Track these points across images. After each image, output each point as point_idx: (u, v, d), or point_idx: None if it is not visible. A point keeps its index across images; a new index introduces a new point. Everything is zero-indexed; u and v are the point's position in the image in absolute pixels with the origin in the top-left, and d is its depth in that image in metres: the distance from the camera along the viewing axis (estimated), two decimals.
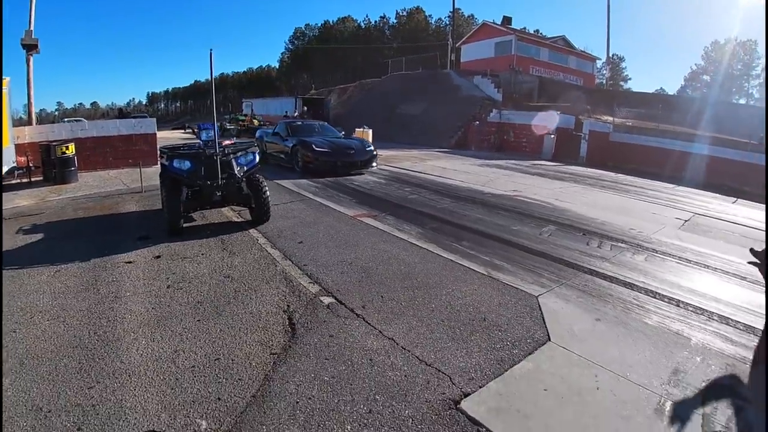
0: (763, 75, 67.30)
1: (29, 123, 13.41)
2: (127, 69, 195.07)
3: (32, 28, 13.39)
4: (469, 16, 73.92)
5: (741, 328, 3.92)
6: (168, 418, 2.51)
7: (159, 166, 7.52)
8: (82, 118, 48.79)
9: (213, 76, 6.58)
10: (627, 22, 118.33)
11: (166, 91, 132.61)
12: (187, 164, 6.13)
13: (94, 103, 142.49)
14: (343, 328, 3.60)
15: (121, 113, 35.18)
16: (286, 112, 31.94)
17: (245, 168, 6.55)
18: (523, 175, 14.31)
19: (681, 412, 2.77)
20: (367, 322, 3.72)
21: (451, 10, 39.81)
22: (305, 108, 30.27)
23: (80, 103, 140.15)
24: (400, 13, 77.60)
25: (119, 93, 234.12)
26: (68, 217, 7.28)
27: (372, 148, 13.21)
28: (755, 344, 3.61)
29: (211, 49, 6.20)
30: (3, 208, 7.51)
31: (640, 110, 31.01)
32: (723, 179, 16.19)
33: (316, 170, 11.92)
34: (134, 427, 2.44)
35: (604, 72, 72.71)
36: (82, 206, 8.04)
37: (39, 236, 6.18)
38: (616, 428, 2.61)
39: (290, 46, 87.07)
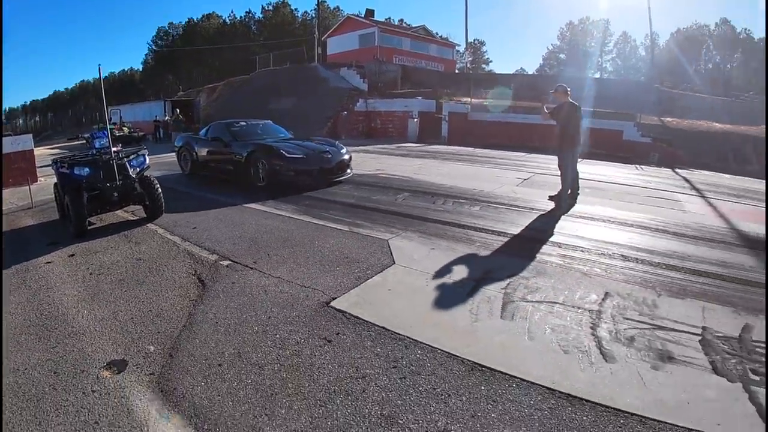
0: (615, 50, 75.42)
1: None
2: None
3: None
4: (335, 9, 75.04)
5: (578, 260, 5.32)
6: (123, 350, 3.44)
7: (42, 181, 7.91)
8: None
9: (103, 91, 7.36)
10: (487, 7, 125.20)
11: (24, 106, 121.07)
12: (86, 170, 6.78)
13: None
14: (241, 277, 4.73)
15: None
16: (156, 116, 31.47)
17: (138, 169, 7.32)
18: (388, 157, 15.85)
19: (481, 290, 4.26)
20: (259, 270, 4.88)
21: (317, 3, 40.78)
22: (177, 110, 30.05)
23: None
24: (266, 8, 76.97)
25: None
26: None
27: (345, 149, 10.68)
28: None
29: (99, 65, 7.02)
30: None
31: (503, 90, 33.83)
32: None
33: (288, 184, 9.42)
34: (100, 360, 3.32)
35: (466, 57, 77.44)
36: None
37: None
38: (437, 307, 3.99)
39: (154, 46, 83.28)
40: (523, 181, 10.78)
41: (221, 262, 5.22)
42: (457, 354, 3.24)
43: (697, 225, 7.12)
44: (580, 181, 8.69)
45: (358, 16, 43.53)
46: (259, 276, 4.73)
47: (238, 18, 79.78)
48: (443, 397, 2.78)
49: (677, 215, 7.86)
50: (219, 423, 2.58)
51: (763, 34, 64.99)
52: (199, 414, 2.67)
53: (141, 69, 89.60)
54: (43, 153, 23.07)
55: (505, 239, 6.04)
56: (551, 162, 13.79)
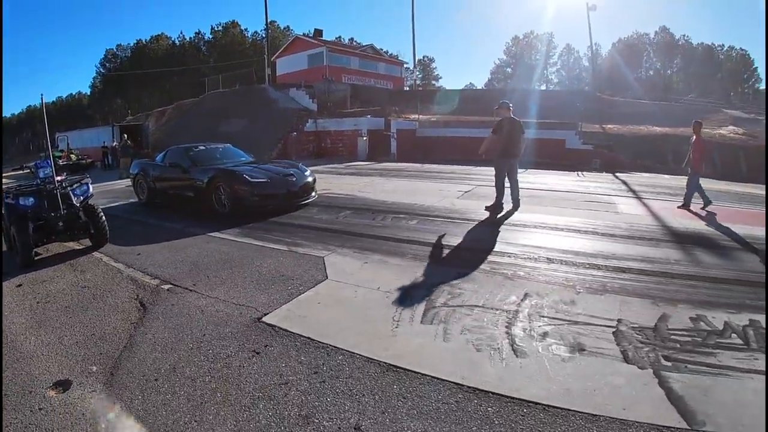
0: (560, 62, 78.42)
1: None
2: None
3: None
4: (285, 28, 75.51)
5: (503, 266, 5.73)
6: (68, 371, 3.70)
7: None
8: None
9: (45, 120, 7.56)
10: (437, 24, 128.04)
11: None
12: (31, 200, 6.94)
13: None
14: (180, 299, 5.06)
15: None
16: (104, 142, 31.20)
17: (81, 198, 7.50)
18: (335, 176, 16.31)
19: (406, 298, 4.70)
20: (197, 292, 5.21)
21: (266, 23, 40.93)
22: (125, 136, 29.89)
23: None
24: (216, 29, 76.86)
25: None
26: None
27: (309, 171, 10.59)
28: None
29: (42, 94, 7.29)
30: None
31: (451, 106, 34.76)
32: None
33: (252, 210, 9.24)
34: (46, 381, 3.58)
35: (418, 74, 78.93)
36: None
37: None
38: (362, 316, 4.35)
39: (102, 69, 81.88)
40: (464, 193, 11.39)
41: (162, 286, 5.52)
42: (375, 358, 3.56)
43: (627, 225, 7.77)
44: (520, 190, 9.41)
45: (306, 36, 44.20)
46: (197, 297, 5.07)
47: (188, 39, 79.41)
48: (357, 396, 3.08)
49: (610, 217, 8.51)
50: (152, 428, 2.92)
51: (701, 40, 68.73)
52: (136, 420, 3.01)
53: (89, 93, 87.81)
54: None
55: (437, 250, 6.54)
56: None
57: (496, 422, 2.78)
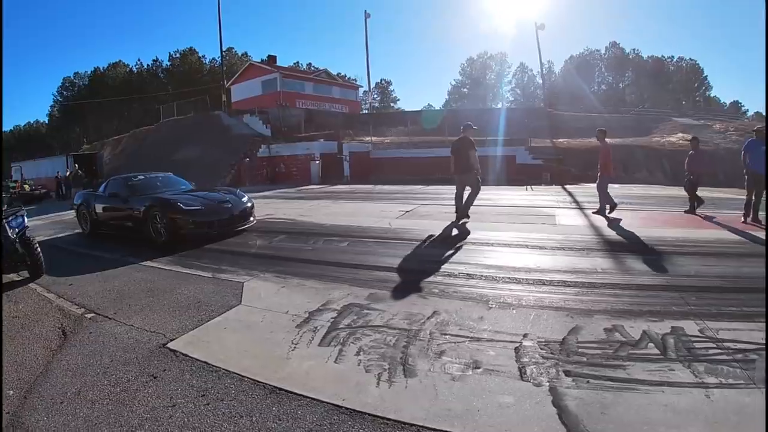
0: (514, 81, 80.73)
1: None
2: None
3: None
4: (243, 54, 75.79)
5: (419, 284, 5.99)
6: None
7: None
8: None
9: None
10: (394, 48, 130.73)
11: None
12: None
13: None
14: (98, 327, 5.46)
15: None
16: (58, 172, 31.03)
17: (16, 230, 7.77)
18: (283, 201, 16.70)
19: (311, 321, 4.97)
20: (115, 320, 5.62)
21: (221, 52, 41.39)
22: (76, 165, 29.78)
23: None
24: (173, 55, 76.84)
25: None
26: None
27: (246, 197, 10.90)
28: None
29: None
30: None
31: (411, 128, 35.50)
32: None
33: (188, 238, 9.46)
34: None
35: (375, 96, 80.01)
36: None
37: None
38: (262, 340, 4.61)
39: (59, 97, 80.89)
40: (404, 213, 11.79)
41: (86, 315, 5.91)
42: (263, 380, 3.71)
43: (562, 236, 8.13)
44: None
45: (260, 62, 44.74)
46: (114, 325, 5.48)
47: (146, 66, 79.25)
48: (236, 418, 3.24)
49: (545, 229, 8.91)
50: None
51: (651, 53, 71.70)
52: None
53: (47, 121, 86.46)
54: None
55: (357, 271, 6.81)
56: (444, 192, 15.03)
57: None
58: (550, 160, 23.62)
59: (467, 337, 4.18)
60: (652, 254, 6.95)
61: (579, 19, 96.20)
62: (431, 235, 8.88)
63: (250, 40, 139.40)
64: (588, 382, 3.31)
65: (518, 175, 22.11)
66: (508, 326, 4.34)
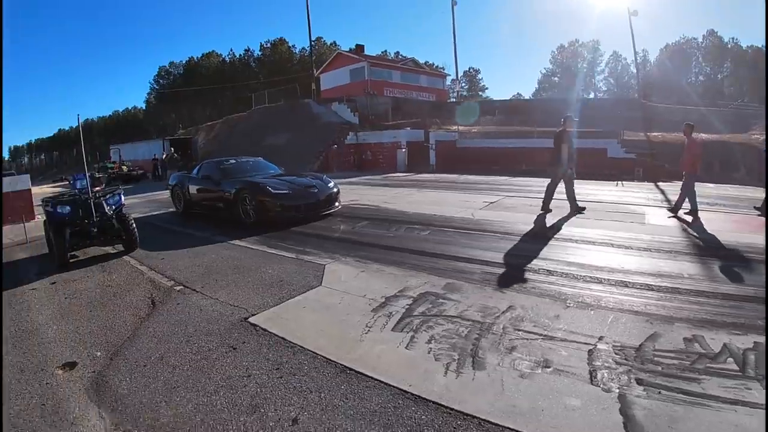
0: (607, 70, 77.14)
1: None
2: None
3: None
4: (331, 44, 76.77)
5: (498, 277, 5.74)
6: (77, 355, 4.30)
7: (39, 219, 8.86)
8: None
9: (82, 140, 8.26)
10: (482, 35, 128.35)
11: (29, 144, 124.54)
12: (67, 209, 7.72)
13: None
14: (186, 299, 5.60)
15: None
16: (155, 155, 32.68)
17: (113, 207, 8.25)
18: (369, 188, 16.59)
19: (387, 306, 4.90)
20: (202, 293, 5.74)
21: (310, 42, 42.12)
22: (172, 149, 31.24)
23: None
24: (264, 45, 79.04)
25: None
26: None
27: (332, 183, 10.99)
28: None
29: (78, 114, 8.03)
30: None
31: (498, 117, 34.85)
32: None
33: (275, 220, 9.69)
34: (57, 362, 4.19)
35: (463, 85, 78.84)
36: None
37: None
38: (338, 322, 4.64)
39: (155, 85, 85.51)
40: (488, 204, 11.34)
41: (175, 287, 6.09)
42: (335, 359, 3.77)
43: (649, 237, 7.47)
44: (553, 201, 9.89)
45: (348, 51, 45.11)
46: (200, 298, 5.60)
47: (238, 56, 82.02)
48: (305, 393, 3.33)
49: (633, 228, 8.21)
50: (128, 404, 3.42)
51: (752, 42, 66.26)
52: (117, 398, 3.52)
53: (144, 108, 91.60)
54: (46, 191, 24.25)
55: (436, 259, 6.61)
56: (531, 184, 14.47)
57: (425, 430, 2.87)
58: (642, 155, 22.07)
59: (541, 334, 4.02)
60: (741, 261, 6.19)
61: (674, 5, 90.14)
62: (514, 228, 8.47)
63: (338, 29, 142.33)
64: (660, 392, 3.10)
65: (609, 170, 20.78)
66: (584, 327, 4.13)
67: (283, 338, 4.28)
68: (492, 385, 3.26)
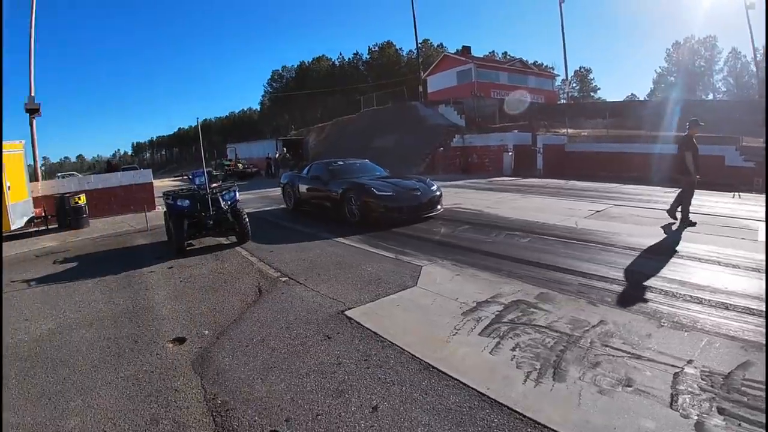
0: (726, 69, 70.71)
1: (36, 179, 15.46)
2: (109, 120, 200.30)
3: (33, 94, 15.76)
4: (438, 46, 76.78)
5: (594, 290, 5.43)
6: (187, 332, 4.71)
7: (159, 209, 9.76)
8: (75, 172, 50.97)
9: (201, 140, 8.93)
10: (594, 34, 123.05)
11: (151, 141, 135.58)
12: (186, 202, 8.43)
13: (79, 156, 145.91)
14: (289, 289, 5.91)
15: (109, 165, 37.39)
16: (268, 154, 34.32)
17: (229, 202, 8.87)
18: (472, 191, 16.36)
19: (477, 311, 4.91)
20: (305, 285, 6.02)
21: (416, 44, 42.49)
22: (285, 149, 32.68)
23: (65, 157, 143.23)
24: (372, 49, 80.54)
25: (103, 145, 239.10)
26: (92, 251, 9.42)
27: (435, 186, 11.15)
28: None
29: (197, 118, 8.73)
30: (26, 248, 9.94)
31: (609, 120, 33.31)
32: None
33: (379, 220, 9.95)
34: (168, 336, 4.63)
35: (574, 86, 75.83)
36: (101, 244, 10.25)
37: (74, 264, 8.35)
38: (428, 322, 4.68)
39: (269, 88, 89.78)
40: (593, 213, 10.76)
41: (281, 278, 6.45)
42: (420, 357, 3.88)
43: (761, 257, 6.66)
44: (658, 211, 9.40)
45: (455, 53, 44.92)
46: (303, 289, 5.89)
47: (347, 60, 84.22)
48: (389, 384, 3.48)
49: (743, 245, 7.46)
50: (228, 378, 3.72)
51: None
52: (218, 372, 3.84)
53: (258, 109, 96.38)
54: (166, 184, 26.27)
55: (530, 267, 6.43)
56: (640, 193, 13.66)
57: None
58: (763, 163, 20.09)
59: (628, 352, 3.84)
60: None
61: None
62: (617, 240, 7.95)
63: (445, 31, 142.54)
64: (740, 425, 2.88)
65: (726, 179, 18.96)
66: (674, 349, 3.87)
67: (375, 332, 4.44)
68: (569, 398, 3.22)
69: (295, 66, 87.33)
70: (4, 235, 10.98)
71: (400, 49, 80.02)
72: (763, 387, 3.26)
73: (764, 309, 4.66)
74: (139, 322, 5.12)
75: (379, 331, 4.45)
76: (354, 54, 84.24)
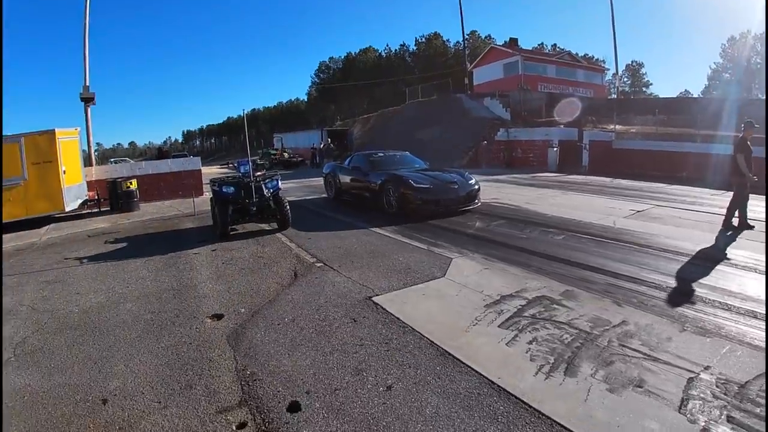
0: None
1: (91, 164, 16.31)
2: (161, 108, 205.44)
3: (88, 83, 16.53)
4: (486, 37, 75.37)
5: (621, 290, 5.37)
6: (225, 309, 5.08)
7: (206, 195, 10.28)
8: (127, 158, 52.87)
9: (247, 131, 9.32)
10: (647, 27, 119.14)
11: (201, 129, 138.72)
12: (231, 189, 8.84)
13: (132, 143, 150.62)
14: (323, 274, 6.21)
15: (160, 152, 38.75)
16: (313, 144, 34.82)
17: (271, 190, 9.24)
18: (513, 186, 16.16)
19: (500, 304, 5.03)
20: (338, 271, 6.30)
21: (463, 35, 42.10)
22: (329, 139, 33.10)
23: (118, 143, 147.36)
24: (419, 40, 79.87)
25: (155, 132, 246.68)
26: (141, 233, 10.04)
27: (474, 180, 11.17)
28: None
29: (243, 109, 9.13)
30: (79, 229, 10.61)
31: (660, 116, 32.42)
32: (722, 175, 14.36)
33: (415, 212, 10.11)
34: (207, 313, 5.00)
35: (625, 80, 73.53)
36: (149, 226, 10.86)
37: (123, 244, 8.93)
38: (451, 312, 4.84)
39: (316, 79, 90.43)
40: (633, 213, 10.42)
41: (316, 264, 6.77)
42: (438, 343, 4.08)
43: None
44: (713, 216, 8.96)
45: (501, 45, 44.38)
46: (336, 275, 6.17)
47: (393, 51, 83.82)
48: (405, 366, 3.69)
49: None
50: (258, 352, 4.06)
51: None
52: (250, 346, 4.18)
53: (306, 99, 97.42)
54: (214, 171, 27.09)
55: (560, 264, 6.42)
56: (687, 194, 13.20)
57: (499, 420, 3.02)
58: None
59: (645, 354, 3.82)
60: None
61: None
62: (654, 241, 7.75)
63: (493, 23, 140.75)
64: None
65: None
66: (694, 354, 3.81)
67: (398, 318, 4.67)
68: (577, 393, 3.28)
69: (342, 57, 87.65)
70: (58, 216, 11.75)
71: (447, 40, 79.04)
72: None
73: None
74: (182, 298, 5.53)
75: (403, 317, 4.66)
76: (401, 45, 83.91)
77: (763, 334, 4.19)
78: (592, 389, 3.32)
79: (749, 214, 8.78)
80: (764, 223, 8.12)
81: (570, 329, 4.31)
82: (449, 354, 3.89)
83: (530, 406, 3.13)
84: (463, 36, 42.22)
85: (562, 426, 2.92)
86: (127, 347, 4.26)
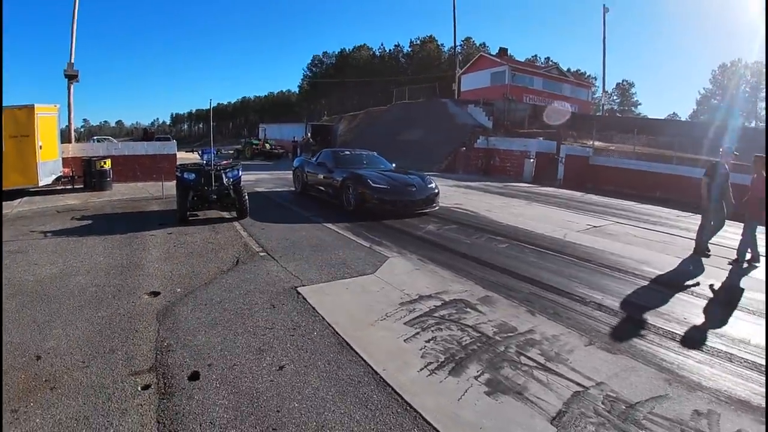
0: None
1: (69, 141, 16.75)
2: (151, 89, 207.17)
3: (73, 60, 16.93)
4: (480, 45, 75.94)
5: (541, 300, 5.55)
6: (163, 288, 5.55)
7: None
8: (111, 137, 52.88)
9: (212, 119, 9.76)
10: (640, 48, 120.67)
11: (190, 113, 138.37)
12: (192, 175, 9.30)
13: (119, 122, 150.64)
14: (263, 263, 6.69)
15: (146, 133, 38.68)
16: (294, 137, 35.15)
17: (231, 179, 9.68)
18: (481, 193, 16.48)
19: (415, 303, 5.46)
20: (277, 262, 6.77)
21: (455, 42, 42.69)
22: (309, 134, 33.42)
23: (105, 121, 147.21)
24: (414, 42, 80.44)
25: (143, 112, 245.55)
26: (108, 212, 10.53)
27: (434, 184, 11.50)
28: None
29: (210, 100, 9.68)
30: (50, 204, 11.04)
31: (647, 137, 32.68)
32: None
33: (372, 211, 10.47)
34: (146, 290, 5.47)
35: (615, 99, 74.44)
36: (117, 206, 11.35)
37: (89, 221, 9.38)
38: (366, 306, 5.15)
39: (308, 72, 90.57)
40: (589, 228, 10.52)
41: (260, 253, 7.23)
42: (341, 333, 4.42)
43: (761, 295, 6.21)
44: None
45: (491, 54, 44.88)
46: (274, 265, 6.63)
47: (387, 51, 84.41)
48: (302, 351, 4.07)
49: (747, 283, 7.04)
50: (179, 328, 4.51)
51: None
52: (174, 322, 4.64)
53: (297, 92, 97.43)
54: (187, 156, 27.45)
55: (492, 271, 6.67)
56: (652, 213, 13.36)
57: (368, 407, 3.28)
58: None
59: (539, 364, 3.92)
60: None
61: None
62: (596, 256, 7.87)
63: (490, 32, 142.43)
64: None
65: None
66: (590, 368, 3.86)
67: (313, 308, 5.07)
68: (453, 393, 3.46)
69: (336, 53, 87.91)
70: (32, 190, 12.11)
71: (442, 45, 79.22)
72: (667, 423, 3.20)
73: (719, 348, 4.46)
74: (127, 275, 5.99)
75: (318, 307, 5.08)
76: (395, 46, 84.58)
77: (675, 356, 4.22)
78: (469, 390, 3.48)
79: (717, 240, 8.75)
80: (765, 233, 8.12)
81: (473, 332, 4.51)
82: (347, 343, 4.23)
83: (402, 398, 3.37)
84: (455, 41, 43.01)
85: (425, 420, 3.12)
86: (68, 314, 4.72)
